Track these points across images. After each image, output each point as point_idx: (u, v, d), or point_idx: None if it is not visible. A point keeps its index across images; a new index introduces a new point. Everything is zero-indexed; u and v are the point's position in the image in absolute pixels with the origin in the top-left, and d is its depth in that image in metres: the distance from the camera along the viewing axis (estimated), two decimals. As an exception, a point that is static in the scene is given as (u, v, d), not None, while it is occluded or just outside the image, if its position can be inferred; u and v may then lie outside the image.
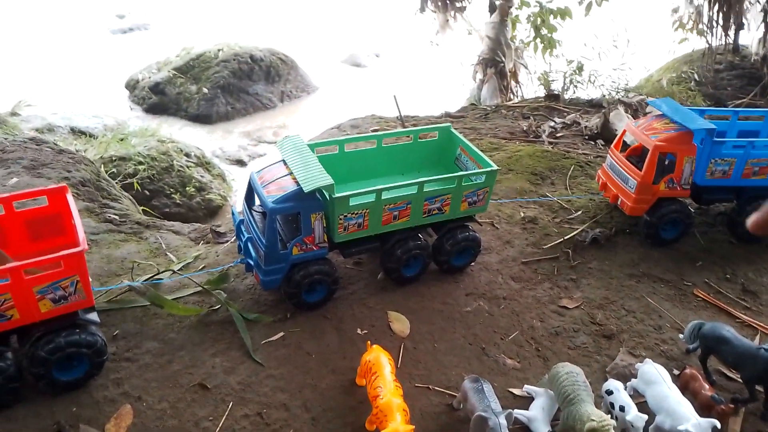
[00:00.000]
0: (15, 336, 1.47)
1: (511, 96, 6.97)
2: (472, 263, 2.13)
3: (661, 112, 2.28)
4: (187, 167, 6.23)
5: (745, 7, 5.36)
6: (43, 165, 2.64)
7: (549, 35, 6.21)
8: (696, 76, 5.68)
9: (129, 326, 1.75)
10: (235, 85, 8.56)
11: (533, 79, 6.90)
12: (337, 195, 1.71)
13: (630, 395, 1.55)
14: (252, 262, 1.78)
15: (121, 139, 6.13)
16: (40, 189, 1.59)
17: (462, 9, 6.92)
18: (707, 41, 5.58)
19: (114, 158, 5.62)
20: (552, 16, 6.12)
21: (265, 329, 1.80)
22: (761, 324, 1.91)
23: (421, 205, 1.88)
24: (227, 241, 2.35)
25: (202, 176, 6.35)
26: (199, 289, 1.92)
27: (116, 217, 2.44)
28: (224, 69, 8.58)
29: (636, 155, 2.32)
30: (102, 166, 5.19)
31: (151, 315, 1.81)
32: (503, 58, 6.87)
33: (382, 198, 1.80)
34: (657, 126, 2.21)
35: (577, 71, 6.27)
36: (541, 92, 6.74)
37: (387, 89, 9.11)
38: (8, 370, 1.40)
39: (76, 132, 6.94)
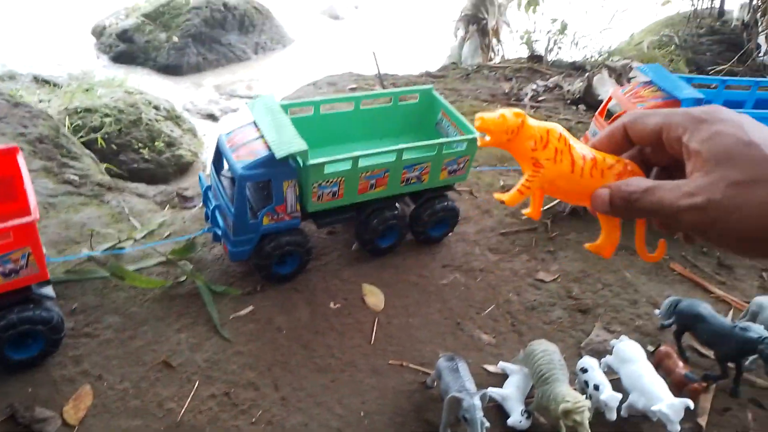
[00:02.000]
0: (-39, 311, 1.37)
1: (492, 55, 6.81)
2: (449, 233, 2.07)
3: (648, 79, 2.21)
4: (156, 121, 6.03)
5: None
6: (-4, 120, 2.47)
7: None
8: (677, 40, 5.63)
9: (88, 299, 1.66)
10: (206, 35, 8.18)
11: (515, 38, 6.76)
12: (311, 162, 1.62)
13: (604, 372, 1.53)
14: (219, 232, 1.69)
15: (87, 90, 5.86)
16: (-15, 151, 1.45)
17: None
18: (693, 4, 5.50)
19: (79, 110, 5.40)
20: None
21: (233, 302, 1.73)
22: (734, 299, 1.91)
23: (399, 174, 1.80)
24: (195, 206, 2.25)
25: (171, 131, 6.15)
26: (164, 259, 1.83)
27: (76, 177, 2.30)
28: (196, 17, 8.18)
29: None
30: (67, 117, 4.98)
31: (112, 287, 1.72)
32: (486, 15, 6.67)
33: (359, 166, 1.71)
34: (643, 93, 2.14)
35: (561, 30, 6.14)
36: (524, 52, 6.60)
37: (366, 43, 8.84)
38: (-45, 348, 1.30)
39: (40, 81, 6.62)
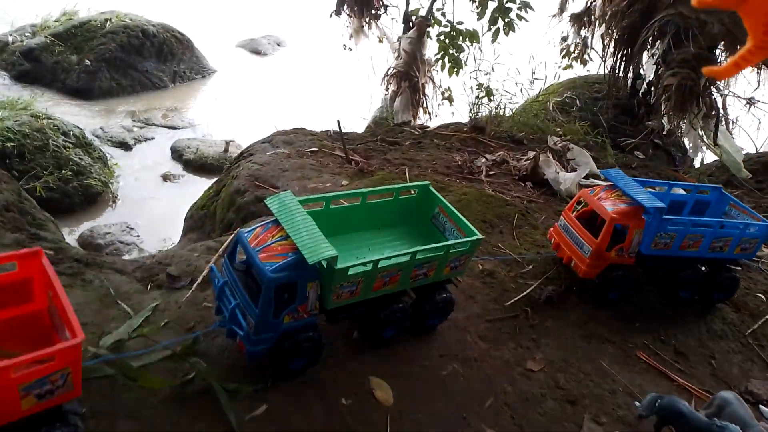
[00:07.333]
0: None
1: (423, 110, 7.11)
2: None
3: (610, 183, 2.47)
4: (65, 148, 5.74)
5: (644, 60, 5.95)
6: (-45, 184, 2.28)
7: (456, 55, 6.42)
8: (578, 102, 6.26)
9: (98, 402, 1.57)
10: (122, 60, 7.92)
11: (438, 93, 7.15)
12: (339, 266, 1.67)
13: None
14: (242, 333, 1.67)
15: None
16: (10, 254, 1.37)
17: (377, 16, 6.93)
18: (608, 83, 6.11)
19: None
20: (461, 38, 6.32)
21: (246, 401, 1.71)
22: (695, 387, 2.16)
23: (410, 272, 1.89)
24: (183, 286, 2.19)
25: (81, 159, 5.87)
26: (169, 353, 1.77)
27: (51, 252, 2.17)
28: (111, 41, 7.92)
29: (584, 218, 2.50)
30: None
31: (120, 387, 1.64)
32: (417, 74, 6.99)
33: (378, 267, 1.78)
34: (610, 197, 2.40)
35: (487, 95, 6.59)
36: (457, 113, 6.96)
37: (291, 82, 8.86)
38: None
39: None
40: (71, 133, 5.91)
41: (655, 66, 5.87)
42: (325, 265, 1.69)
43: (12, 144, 5.14)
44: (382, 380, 1.90)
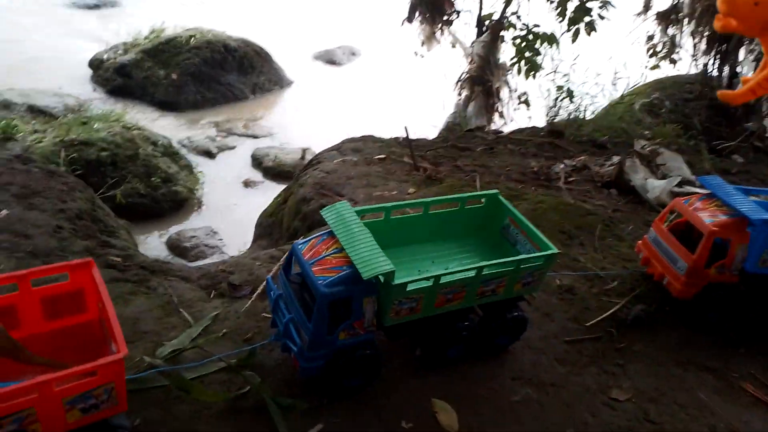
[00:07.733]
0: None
1: (498, 114, 6.86)
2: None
3: (708, 191, 2.20)
4: (154, 156, 6.00)
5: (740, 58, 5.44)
6: (35, 193, 2.37)
7: (533, 58, 6.14)
8: (668, 104, 5.76)
9: (151, 413, 1.54)
10: (206, 74, 8.22)
11: (514, 97, 6.86)
12: (396, 282, 1.55)
13: None
14: (295, 348, 1.59)
15: (84, 123, 5.79)
16: (62, 264, 1.37)
17: (449, 22, 6.76)
18: (702, 83, 5.63)
19: (76, 142, 5.33)
20: (539, 41, 6.05)
21: (301, 418, 1.62)
22: (815, 429, 1.85)
23: (476, 288, 1.74)
24: (244, 295, 2.15)
25: (168, 167, 6.12)
26: (224, 365, 1.72)
27: (119, 260, 2.21)
28: (195, 56, 8.24)
29: (678, 230, 2.24)
30: (62, 150, 4.89)
31: (173, 398, 1.61)
32: (491, 78, 6.75)
33: (440, 282, 1.64)
34: (709, 207, 2.13)
35: (569, 97, 6.24)
36: (535, 117, 6.66)
37: (365, 90, 8.91)
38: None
39: (35, 111, 6.59)
40: (159, 142, 6.21)
41: (754, 63, 5.34)
42: (381, 280, 1.58)
43: (106, 153, 5.45)
44: (446, 403, 1.75)
